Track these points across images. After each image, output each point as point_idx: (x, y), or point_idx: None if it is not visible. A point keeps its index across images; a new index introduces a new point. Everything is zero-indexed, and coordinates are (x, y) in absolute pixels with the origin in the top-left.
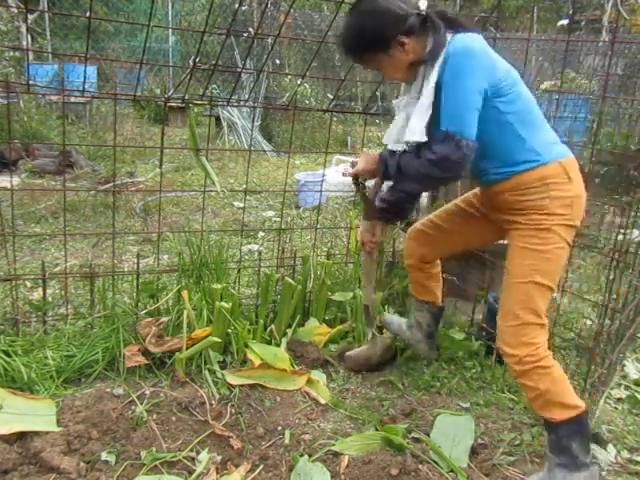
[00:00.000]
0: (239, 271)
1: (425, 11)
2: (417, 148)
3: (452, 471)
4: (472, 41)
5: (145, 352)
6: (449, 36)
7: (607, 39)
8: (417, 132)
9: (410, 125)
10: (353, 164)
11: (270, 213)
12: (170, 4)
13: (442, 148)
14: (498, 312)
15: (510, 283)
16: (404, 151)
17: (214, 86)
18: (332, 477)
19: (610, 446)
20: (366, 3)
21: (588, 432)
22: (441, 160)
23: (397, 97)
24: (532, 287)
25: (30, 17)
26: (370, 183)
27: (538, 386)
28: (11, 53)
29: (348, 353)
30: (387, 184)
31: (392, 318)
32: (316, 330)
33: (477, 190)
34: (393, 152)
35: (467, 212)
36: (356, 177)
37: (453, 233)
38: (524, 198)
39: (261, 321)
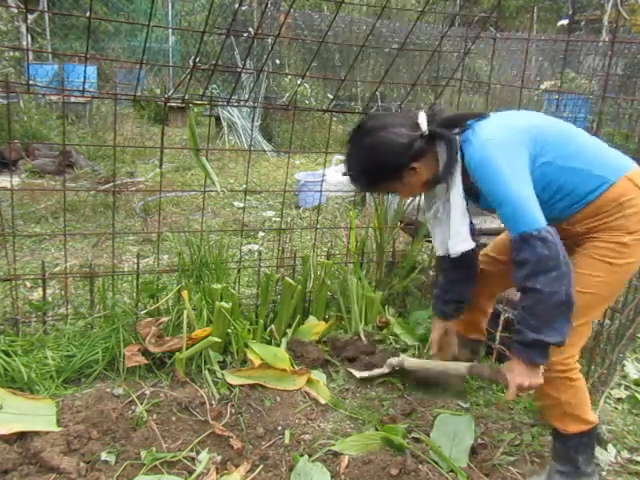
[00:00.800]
0: (239, 271)
1: (427, 129)
2: (515, 254)
3: (452, 471)
4: (486, 139)
5: (145, 352)
6: (459, 139)
7: (607, 39)
8: (461, 241)
9: (452, 236)
10: (504, 378)
11: (270, 213)
12: (170, 4)
13: (529, 253)
14: None
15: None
16: (521, 318)
17: (214, 86)
18: (332, 477)
19: (610, 446)
20: (369, 138)
21: (594, 445)
22: (538, 262)
23: (424, 205)
24: (592, 298)
25: (30, 17)
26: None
27: (560, 396)
28: (11, 53)
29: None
30: None
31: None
32: (315, 328)
33: None
34: (521, 342)
35: None
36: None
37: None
38: (598, 223)
39: (261, 321)
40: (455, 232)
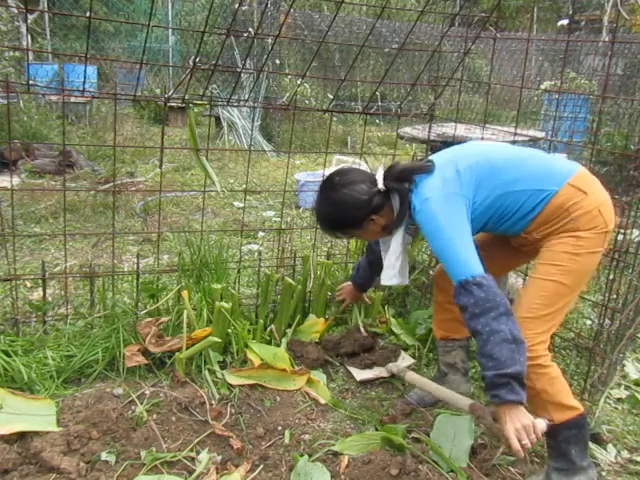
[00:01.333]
0: (239, 271)
1: (383, 186)
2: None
3: (452, 471)
4: (425, 198)
5: (145, 352)
6: (410, 194)
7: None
8: (390, 277)
9: (384, 273)
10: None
11: (270, 213)
12: (170, 4)
13: (467, 297)
14: (515, 304)
15: (534, 279)
16: (480, 364)
17: (214, 86)
18: (332, 477)
19: (610, 446)
20: (334, 193)
21: (587, 437)
22: (476, 305)
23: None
24: (555, 286)
25: (30, 17)
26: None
27: (534, 385)
28: (11, 53)
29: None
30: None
31: (420, 393)
32: (315, 327)
33: None
34: (487, 386)
35: (497, 244)
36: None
37: (489, 261)
38: (551, 229)
39: (261, 321)
40: (387, 268)
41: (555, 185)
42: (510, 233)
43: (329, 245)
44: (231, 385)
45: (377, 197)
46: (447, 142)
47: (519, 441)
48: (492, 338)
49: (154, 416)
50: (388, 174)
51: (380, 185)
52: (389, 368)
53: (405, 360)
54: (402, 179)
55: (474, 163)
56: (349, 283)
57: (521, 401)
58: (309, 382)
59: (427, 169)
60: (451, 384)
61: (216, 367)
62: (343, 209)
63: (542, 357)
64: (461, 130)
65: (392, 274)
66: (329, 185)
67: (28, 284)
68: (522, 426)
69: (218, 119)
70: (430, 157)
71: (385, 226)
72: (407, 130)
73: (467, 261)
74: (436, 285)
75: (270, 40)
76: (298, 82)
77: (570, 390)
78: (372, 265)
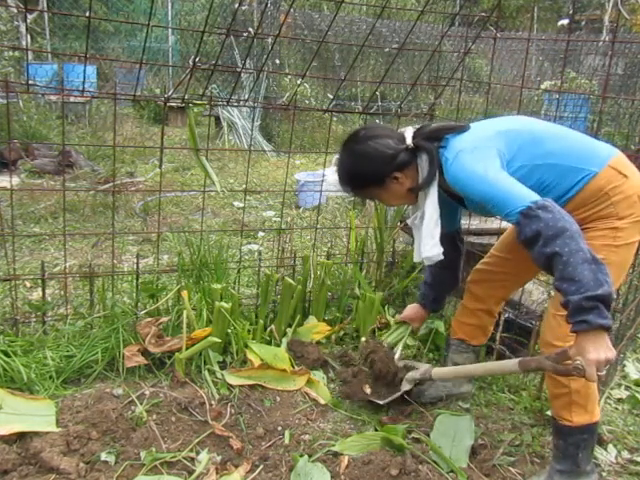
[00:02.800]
0: (239, 271)
1: (412, 143)
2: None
3: (452, 471)
4: (456, 153)
5: (145, 352)
6: (437, 150)
7: (607, 39)
8: (431, 247)
9: (423, 241)
10: (577, 369)
11: (270, 213)
12: (170, 4)
13: (536, 224)
14: (550, 300)
15: None
16: (562, 290)
17: (214, 86)
18: (332, 477)
19: (610, 446)
20: (358, 146)
21: (594, 443)
22: (548, 228)
23: (409, 214)
24: None
25: (29, 17)
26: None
27: (569, 384)
28: (10, 53)
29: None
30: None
31: (421, 388)
32: (315, 328)
33: None
34: (573, 311)
35: None
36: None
37: (526, 262)
38: (588, 213)
39: (261, 321)
40: (426, 237)
41: (596, 166)
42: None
43: (329, 245)
44: (231, 385)
45: (403, 154)
46: None
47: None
48: (572, 259)
49: (154, 416)
50: (418, 133)
51: (408, 141)
52: (409, 378)
53: (422, 367)
54: (433, 138)
55: (515, 130)
56: (414, 305)
57: (610, 326)
58: (309, 382)
59: (461, 128)
60: (454, 382)
61: (216, 367)
62: (365, 162)
63: None
64: None
65: (432, 244)
66: (354, 138)
67: (28, 284)
68: (606, 359)
69: (218, 119)
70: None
71: (411, 188)
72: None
73: (520, 192)
74: (469, 291)
75: (270, 40)
76: (298, 82)
77: (597, 395)
78: (437, 269)
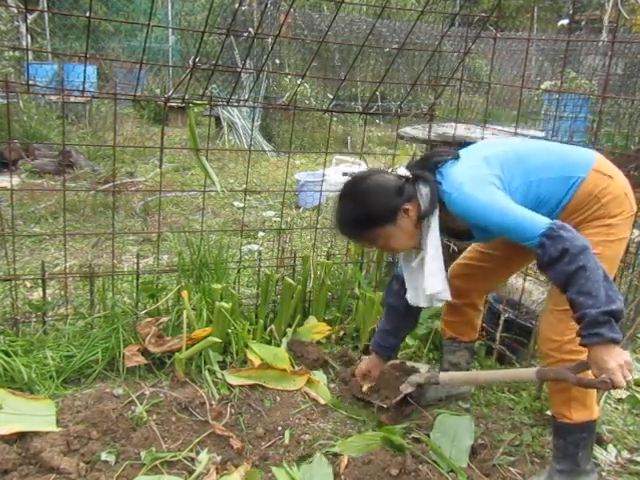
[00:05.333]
0: (239, 271)
1: (410, 175)
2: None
3: (452, 471)
4: (459, 184)
5: (145, 352)
6: (435, 181)
7: (607, 39)
8: (440, 281)
9: (427, 277)
10: (604, 383)
11: (270, 213)
12: (170, 4)
13: (562, 243)
14: (549, 297)
15: None
16: (578, 305)
17: (214, 86)
18: (332, 477)
19: (610, 446)
20: (362, 186)
21: (593, 442)
22: (573, 246)
23: (398, 262)
24: None
25: (30, 17)
26: None
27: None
28: (11, 53)
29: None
30: None
31: (420, 391)
32: (315, 328)
33: None
34: (589, 324)
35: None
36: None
37: (510, 258)
38: (582, 216)
39: (261, 321)
40: (435, 272)
41: (582, 172)
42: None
43: (329, 245)
44: (231, 385)
45: (407, 185)
46: (447, 142)
47: (624, 377)
48: (593, 275)
49: (154, 416)
50: (409, 165)
51: (406, 172)
52: (412, 381)
53: (422, 368)
54: (425, 166)
55: (501, 152)
56: (368, 358)
57: (620, 340)
58: (309, 382)
59: (448, 155)
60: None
61: (216, 367)
62: (373, 200)
63: (583, 353)
64: (461, 130)
65: (442, 277)
66: (349, 185)
67: (28, 284)
68: (625, 362)
69: (218, 119)
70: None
71: (415, 222)
72: (407, 130)
73: (535, 217)
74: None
75: (270, 40)
76: (298, 82)
77: (595, 393)
78: (400, 315)
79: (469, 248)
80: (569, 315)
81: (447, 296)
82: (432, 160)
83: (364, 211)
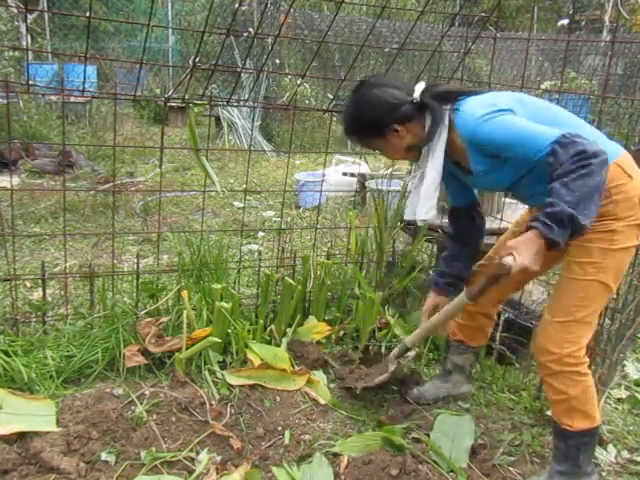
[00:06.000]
0: (239, 271)
1: (419, 98)
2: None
3: (452, 471)
4: (472, 110)
5: (145, 352)
6: (447, 113)
7: (607, 39)
8: (427, 210)
9: (420, 206)
10: (504, 266)
11: (270, 213)
12: (170, 4)
13: (575, 146)
14: (547, 306)
15: (570, 279)
16: (552, 189)
17: (214, 86)
18: (332, 477)
19: (610, 446)
20: (363, 92)
21: (595, 445)
22: (587, 148)
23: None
24: (594, 285)
25: (30, 17)
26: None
27: (567, 391)
28: (11, 53)
29: (376, 380)
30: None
31: (421, 390)
32: (315, 328)
33: (529, 209)
34: (550, 214)
35: None
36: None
37: None
38: None
39: (261, 321)
40: (424, 200)
41: None
42: (542, 200)
43: (329, 245)
44: (231, 385)
45: (407, 106)
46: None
47: (513, 265)
48: (592, 179)
49: (154, 416)
50: (428, 89)
51: (415, 95)
52: (391, 358)
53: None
54: (443, 99)
55: (537, 107)
56: (431, 297)
57: (557, 246)
58: (309, 382)
59: (476, 92)
60: (454, 383)
61: (216, 367)
62: (367, 109)
63: (582, 364)
64: None
65: (429, 206)
66: (361, 85)
67: (28, 284)
68: (526, 265)
69: (218, 119)
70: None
71: (410, 145)
72: None
73: (547, 130)
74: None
75: (270, 40)
76: (298, 82)
77: (596, 400)
78: (460, 242)
79: (485, 256)
80: (567, 327)
81: (432, 218)
82: (454, 94)
83: (356, 118)
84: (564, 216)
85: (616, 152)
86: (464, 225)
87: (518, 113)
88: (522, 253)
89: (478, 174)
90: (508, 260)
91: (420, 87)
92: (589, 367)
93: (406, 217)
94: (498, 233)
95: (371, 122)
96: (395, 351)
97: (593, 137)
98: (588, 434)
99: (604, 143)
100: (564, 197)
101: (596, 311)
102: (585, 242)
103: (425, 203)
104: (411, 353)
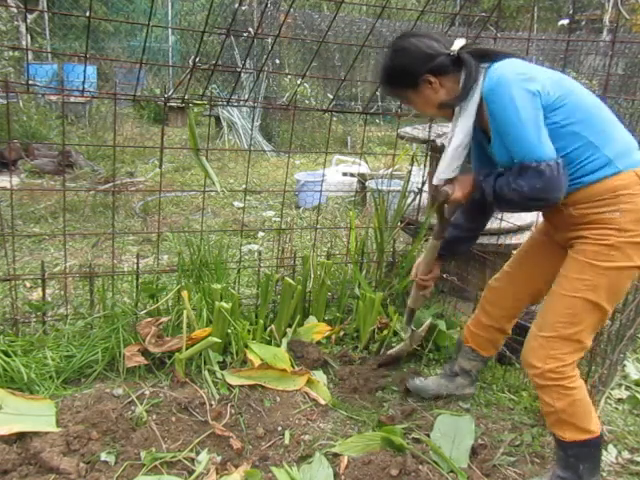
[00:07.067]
0: (239, 271)
1: (456, 51)
2: (513, 170)
3: (452, 471)
4: (503, 70)
5: (145, 352)
6: (483, 71)
7: (607, 39)
8: (444, 173)
9: (440, 165)
10: (445, 193)
11: (270, 213)
12: (170, 4)
13: (524, 181)
14: (535, 320)
15: (558, 294)
16: (499, 175)
17: (214, 86)
18: (332, 477)
19: (611, 447)
20: (400, 41)
21: (599, 456)
22: (530, 191)
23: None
24: (582, 303)
25: (29, 17)
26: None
27: (554, 404)
28: (11, 53)
29: (390, 352)
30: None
31: (424, 383)
32: (315, 328)
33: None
34: (488, 175)
35: (538, 241)
36: (444, 202)
37: (530, 274)
38: (592, 211)
39: (261, 321)
40: (443, 165)
41: (623, 164)
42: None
43: (329, 245)
44: (231, 385)
45: (443, 58)
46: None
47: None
48: (510, 205)
49: (154, 416)
50: (467, 45)
51: (453, 48)
52: (403, 327)
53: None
54: (481, 57)
55: (571, 83)
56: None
57: (480, 197)
58: (309, 382)
59: (516, 56)
60: (458, 385)
61: (216, 367)
62: (402, 58)
63: (568, 378)
64: None
65: (455, 166)
66: (400, 35)
67: (28, 284)
68: (458, 197)
69: (218, 119)
70: None
71: (443, 102)
72: (407, 130)
73: (534, 141)
74: (482, 308)
75: (270, 40)
76: (298, 82)
77: (592, 412)
78: (470, 217)
79: (500, 270)
80: (552, 342)
81: (449, 176)
82: (494, 53)
83: (391, 66)
84: (485, 194)
85: (638, 160)
86: (478, 199)
87: (548, 91)
88: (456, 188)
89: (493, 141)
90: (446, 188)
91: (460, 42)
92: (587, 378)
93: (434, 182)
94: (498, 233)
95: (405, 70)
96: (405, 317)
97: (624, 139)
98: (586, 445)
99: (632, 149)
100: (494, 186)
101: (586, 330)
102: (579, 255)
103: (452, 163)
104: (425, 324)
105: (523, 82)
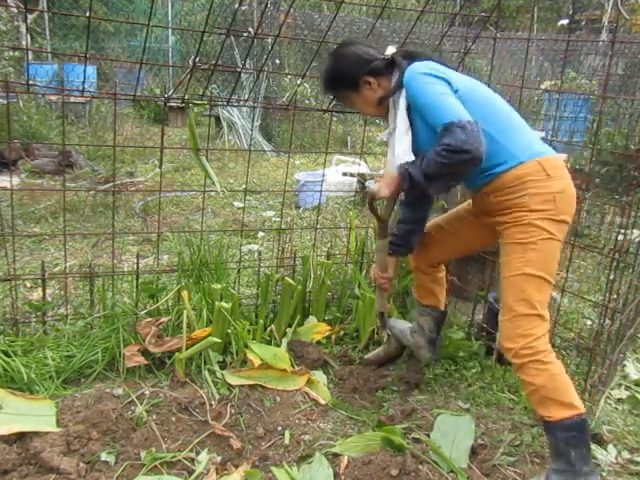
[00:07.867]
0: (239, 271)
1: (390, 55)
2: (437, 139)
3: (452, 471)
4: (419, 64)
5: (145, 352)
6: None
7: (607, 39)
8: (402, 154)
9: (396, 152)
10: (372, 192)
11: (270, 213)
12: (170, 4)
13: (450, 138)
14: (500, 310)
15: (503, 279)
16: (422, 157)
17: (214, 86)
18: (332, 477)
19: (610, 446)
20: (340, 49)
21: (587, 441)
22: (455, 143)
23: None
24: (523, 279)
25: (30, 17)
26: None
27: (534, 381)
28: (11, 53)
29: (367, 356)
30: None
31: (396, 322)
32: (315, 328)
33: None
34: (413, 162)
35: (467, 217)
36: (373, 201)
37: (457, 236)
38: (505, 198)
39: (261, 321)
40: (398, 149)
41: (525, 156)
42: (472, 183)
43: (329, 245)
44: (231, 385)
45: (379, 61)
46: None
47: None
48: (443, 168)
49: (154, 416)
50: (399, 51)
51: (387, 53)
52: (380, 332)
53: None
54: (411, 57)
55: (475, 87)
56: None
57: (405, 190)
58: (309, 382)
59: (430, 59)
60: (415, 343)
61: (216, 367)
62: (343, 63)
63: (541, 353)
64: None
65: (405, 147)
66: (339, 45)
67: (28, 284)
68: (382, 194)
69: (218, 119)
70: None
71: (381, 98)
72: None
73: (452, 106)
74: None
75: (270, 40)
76: (298, 82)
77: (572, 388)
78: (415, 206)
79: (432, 221)
80: (514, 322)
81: (408, 159)
82: (421, 55)
83: (333, 72)
84: (414, 179)
85: (542, 152)
86: (409, 189)
87: (452, 88)
88: (382, 185)
89: (418, 131)
90: (373, 187)
91: (392, 49)
92: (564, 359)
93: (397, 169)
94: None
95: (346, 74)
96: (378, 323)
97: (525, 135)
98: (573, 427)
99: (534, 142)
100: (422, 166)
101: (539, 302)
102: (507, 239)
103: (405, 144)
104: (405, 325)
105: (432, 70)
